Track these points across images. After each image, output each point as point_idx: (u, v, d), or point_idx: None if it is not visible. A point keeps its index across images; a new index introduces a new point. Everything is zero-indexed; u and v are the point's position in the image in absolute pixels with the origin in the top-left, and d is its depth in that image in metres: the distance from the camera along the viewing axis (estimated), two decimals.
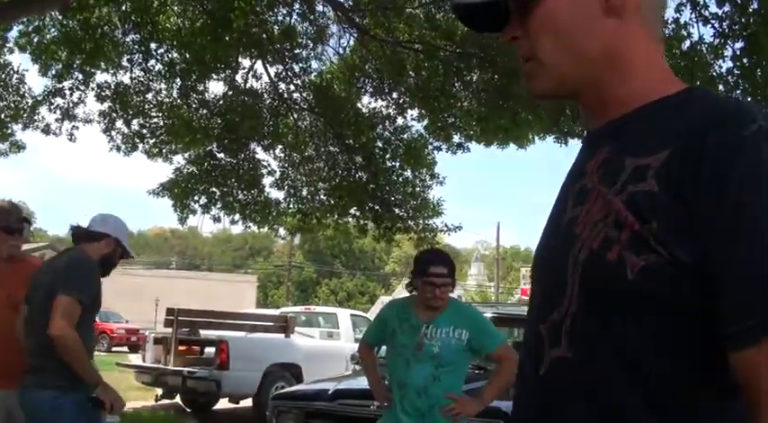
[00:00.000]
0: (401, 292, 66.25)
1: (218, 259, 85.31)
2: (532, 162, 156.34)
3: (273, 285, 74.15)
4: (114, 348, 28.34)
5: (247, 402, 11.17)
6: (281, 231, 13.68)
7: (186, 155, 11.89)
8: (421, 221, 11.71)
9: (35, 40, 10.64)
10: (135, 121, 11.28)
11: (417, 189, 11.82)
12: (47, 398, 3.31)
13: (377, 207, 11.52)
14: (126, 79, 11.01)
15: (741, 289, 0.94)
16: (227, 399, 11.20)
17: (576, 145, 9.65)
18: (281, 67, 11.18)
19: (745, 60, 6.75)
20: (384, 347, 4.59)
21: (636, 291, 1.00)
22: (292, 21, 10.95)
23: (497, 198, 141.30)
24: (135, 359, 15.98)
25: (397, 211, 11.55)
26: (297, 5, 10.76)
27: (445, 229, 11.61)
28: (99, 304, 3.64)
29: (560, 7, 1.12)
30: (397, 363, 3.81)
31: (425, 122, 11.36)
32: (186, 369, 10.53)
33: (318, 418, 5.44)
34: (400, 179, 11.76)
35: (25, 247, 4.79)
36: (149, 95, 11.10)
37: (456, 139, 11.26)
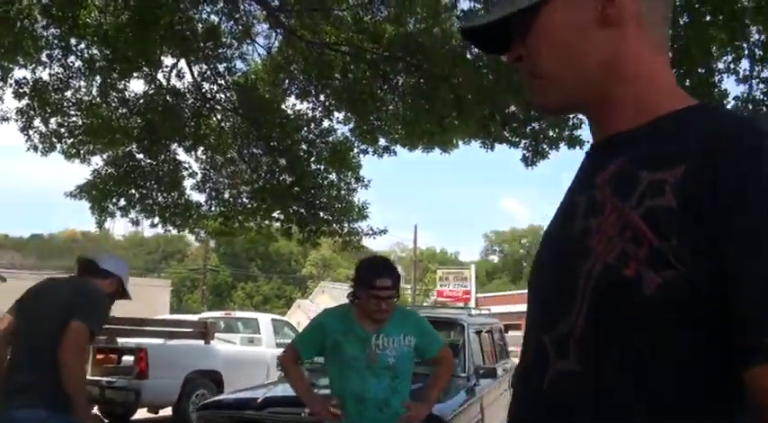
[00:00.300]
0: (318, 295, 66.18)
1: (131, 263, 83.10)
2: (450, 163, 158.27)
3: (188, 290, 72.78)
4: None
5: (167, 411, 10.88)
6: (203, 235, 13.39)
7: (105, 156, 11.48)
8: (346, 225, 11.66)
9: None
10: (53, 120, 10.80)
11: (342, 192, 11.75)
12: (36, 419, 3.23)
13: (301, 210, 11.41)
14: (45, 76, 10.56)
15: (758, 306, 0.94)
16: (146, 408, 10.87)
17: (503, 150, 9.81)
18: (204, 67, 10.92)
19: (674, 70, 6.96)
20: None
21: (652, 306, 1.00)
22: (217, 19, 10.72)
23: (412, 200, 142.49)
24: None
25: (321, 214, 11.46)
26: (222, 3, 10.53)
27: (370, 232, 11.56)
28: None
29: (554, 23, 1.12)
30: (348, 376, 3.59)
31: (351, 125, 11.30)
32: (104, 379, 10.20)
33: None
34: (325, 182, 11.65)
35: None
36: (68, 93, 10.64)
37: (382, 142, 11.25)
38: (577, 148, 9.28)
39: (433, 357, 3.80)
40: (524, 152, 9.40)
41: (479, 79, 8.73)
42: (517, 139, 9.37)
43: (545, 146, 9.37)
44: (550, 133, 9.27)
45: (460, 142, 10.93)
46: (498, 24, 1.16)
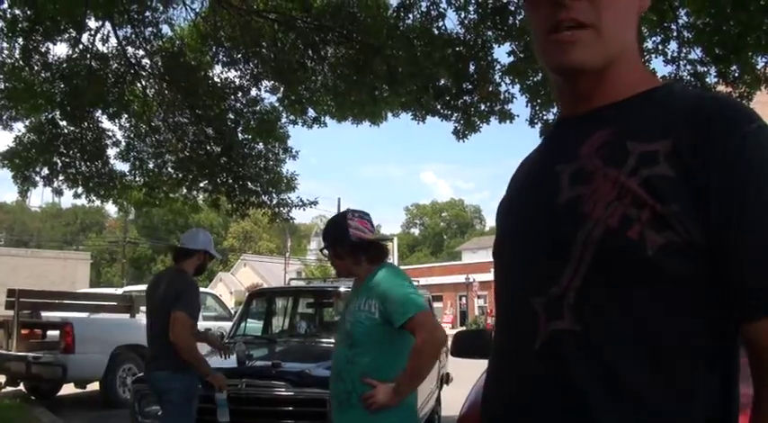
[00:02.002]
0: (239, 268, 65.47)
1: (48, 235, 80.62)
2: (372, 137, 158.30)
3: (107, 263, 71.13)
4: None
5: (94, 386, 10.66)
6: (127, 205, 13.06)
7: (27, 122, 11.04)
8: (275, 196, 11.53)
9: None
10: None
11: (270, 163, 11.60)
12: (162, 378, 4.81)
13: (230, 181, 11.23)
14: None
15: (757, 264, 1.04)
16: (72, 384, 10.62)
17: (434, 122, 9.82)
18: (130, 31, 10.57)
19: None
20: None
21: (653, 266, 1.07)
22: None
23: (334, 173, 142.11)
24: None
25: (250, 185, 11.28)
26: None
27: (300, 203, 11.46)
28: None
29: None
30: None
31: (279, 95, 11.14)
32: (30, 354, 9.91)
33: None
34: (253, 153, 11.48)
35: None
36: None
37: (311, 113, 11.15)
38: (507, 122, 9.36)
39: (401, 325, 3.03)
40: (456, 125, 9.44)
41: (413, 51, 8.71)
42: (449, 113, 9.40)
43: (476, 119, 9.42)
44: (482, 107, 9.33)
45: (390, 114, 10.92)
46: None
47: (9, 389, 10.91)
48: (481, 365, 3.59)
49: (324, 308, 8.33)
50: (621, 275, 1.09)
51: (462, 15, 8.64)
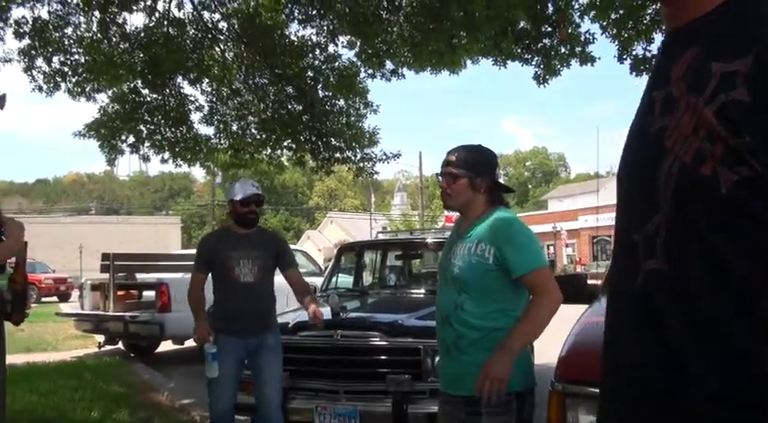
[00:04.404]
0: (326, 225, 66.47)
1: (138, 202, 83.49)
2: (450, 87, 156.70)
3: (197, 226, 73.19)
4: (44, 299, 27.57)
5: (190, 342, 11.04)
6: (214, 168, 13.34)
7: (110, 93, 11.33)
8: (359, 151, 11.56)
9: None
10: (56, 59, 10.59)
11: (352, 118, 11.61)
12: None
13: (313, 138, 11.31)
14: (44, 14, 10.33)
15: None
16: (170, 341, 11.04)
17: (515, 67, 9.59)
18: None
19: None
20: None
21: (728, 203, 1.01)
22: None
23: (413, 126, 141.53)
24: (67, 308, 15.62)
25: (333, 141, 11.35)
26: None
27: (384, 157, 11.47)
28: None
29: None
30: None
31: (356, 50, 11.09)
32: (127, 314, 10.35)
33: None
34: (334, 109, 11.51)
35: None
36: (68, 30, 10.43)
37: (389, 65, 11.05)
38: (589, 65, 9.10)
39: (519, 277, 2.91)
40: (536, 70, 9.22)
41: None
42: (529, 57, 9.17)
43: (556, 62, 9.18)
44: (562, 50, 9.07)
45: (469, 62, 10.72)
46: None
47: (108, 347, 11.45)
48: (570, 311, 3.56)
49: (412, 259, 8.36)
50: (699, 214, 1.04)
51: None
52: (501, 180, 3.27)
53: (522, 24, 9.17)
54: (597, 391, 1.28)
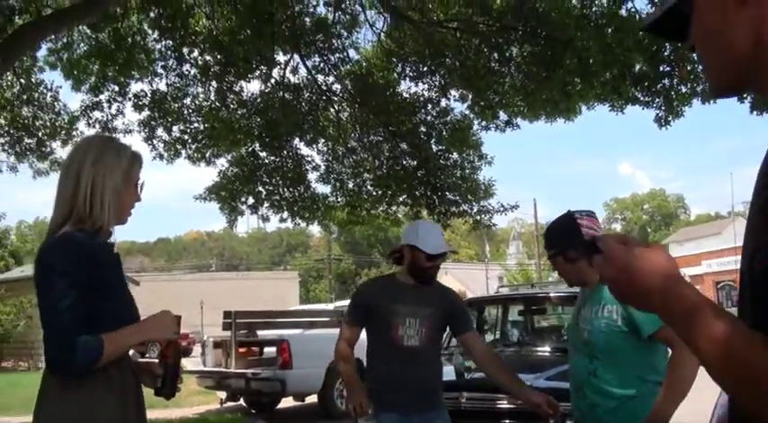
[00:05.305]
0: (441, 277, 66.10)
1: (256, 258, 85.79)
2: (557, 134, 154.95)
3: (314, 280, 74.39)
4: None
5: (312, 399, 11.09)
6: (332, 226, 13.56)
7: (229, 157, 11.76)
8: (475, 204, 11.48)
9: (65, 56, 10.58)
10: (175, 128, 11.16)
11: (467, 171, 11.58)
12: None
13: (428, 193, 11.33)
14: (162, 86, 10.92)
15: None
16: (291, 397, 11.12)
17: (633, 111, 9.36)
18: (317, 59, 10.99)
19: None
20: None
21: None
22: (325, 11, 10.76)
23: (525, 172, 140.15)
24: (190, 364, 16.04)
25: (449, 195, 11.33)
26: None
27: (501, 209, 11.35)
28: None
29: (701, 4, 1.09)
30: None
31: (468, 102, 11.11)
32: (249, 371, 10.48)
33: None
34: (449, 163, 11.52)
35: None
36: (187, 100, 11.00)
37: (502, 116, 10.99)
38: (711, 102, 8.75)
39: (651, 335, 2.73)
40: (657, 112, 8.93)
41: (603, 39, 8.34)
42: (649, 99, 8.91)
43: (677, 103, 8.88)
44: (683, 89, 8.77)
45: (584, 108, 10.53)
46: (674, 12, 1.14)
47: (230, 404, 11.61)
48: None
49: (535, 315, 8.13)
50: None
51: None
52: (589, 231, 3.02)
53: (639, 67, 8.95)
54: None
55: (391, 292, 3.91)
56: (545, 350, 6.61)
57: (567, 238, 3.02)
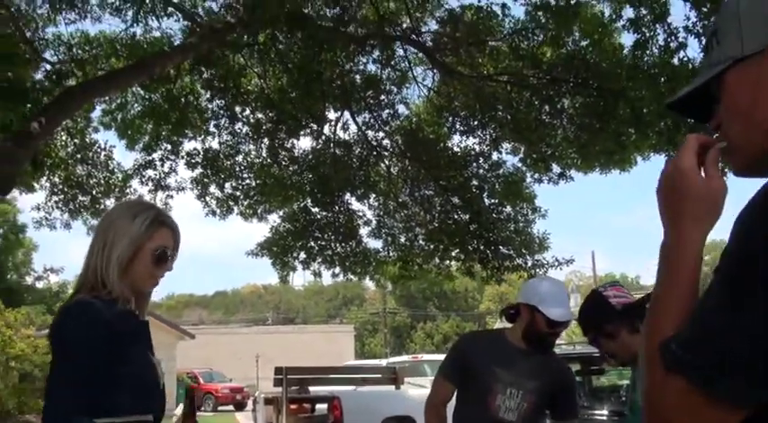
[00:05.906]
0: (493, 323, 65.17)
1: (312, 311, 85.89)
2: (613, 184, 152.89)
3: (369, 333, 74.02)
4: (220, 408, 28.59)
5: None
6: (383, 281, 13.50)
7: (281, 212, 11.84)
8: (530, 258, 11.28)
9: (119, 117, 10.84)
10: (227, 185, 11.30)
11: (521, 225, 11.42)
12: None
13: (481, 247, 11.17)
14: (215, 144, 11.09)
15: None
16: None
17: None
18: (368, 116, 11.05)
19: None
20: None
21: None
22: (375, 68, 10.85)
23: (582, 224, 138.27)
24: (243, 419, 15.93)
25: (502, 249, 11.16)
26: (377, 52, 10.63)
27: (556, 263, 11.11)
28: None
29: (730, 84, 1.04)
30: None
31: (521, 155, 11.01)
32: None
33: None
34: (502, 216, 11.38)
35: None
36: (239, 158, 11.16)
37: (555, 168, 10.84)
38: None
39: None
40: None
41: (656, 89, 8.17)
42: None
43: None
44: None
45: (639, 158, 10.30)
46: (703, 93, 1.09)
47: None
48: None
49: (592, 375, 7.83)
50: None
51: (704, 41, 7.95)
52: (633, 298, 2.90)
53: None
54: None
55: (497, 353, 3.33)
56: (602, 414, 6.38)
57: (598, 315, 2.90)
